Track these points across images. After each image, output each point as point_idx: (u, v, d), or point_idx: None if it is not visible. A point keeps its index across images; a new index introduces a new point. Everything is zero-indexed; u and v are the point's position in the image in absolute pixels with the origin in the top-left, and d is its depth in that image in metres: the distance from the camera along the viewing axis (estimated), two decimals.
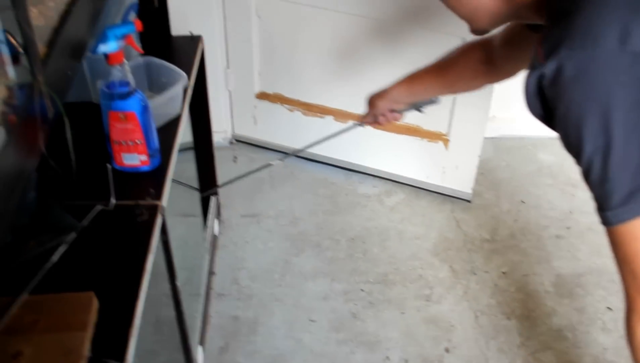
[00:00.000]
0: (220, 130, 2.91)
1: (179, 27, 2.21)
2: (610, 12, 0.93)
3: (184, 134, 1.72)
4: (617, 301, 2.31)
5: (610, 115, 0.95)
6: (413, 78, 1.71)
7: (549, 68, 0.96)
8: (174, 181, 1.51)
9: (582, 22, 0.94)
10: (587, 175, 1.03)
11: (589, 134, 0.97)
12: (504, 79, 1.59)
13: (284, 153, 2.86)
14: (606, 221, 1.04)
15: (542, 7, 1.09)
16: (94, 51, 1.31)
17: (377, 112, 1.81)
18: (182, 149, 1.71)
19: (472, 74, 1.60)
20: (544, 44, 0.97)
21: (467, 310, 2.28)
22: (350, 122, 1.95)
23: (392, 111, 1.81)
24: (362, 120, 1.89)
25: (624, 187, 0.99)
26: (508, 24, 1.37)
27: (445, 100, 2.48)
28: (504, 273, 2.43)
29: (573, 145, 1.02)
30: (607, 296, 2.35)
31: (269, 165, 2.03)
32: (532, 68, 1.00)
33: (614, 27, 0.92)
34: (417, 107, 1.82)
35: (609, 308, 2.30)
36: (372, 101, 1.81)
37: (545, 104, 1.03)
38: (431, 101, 1.80)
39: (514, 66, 1.51)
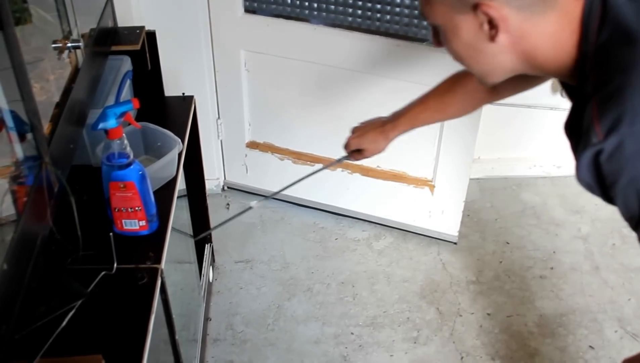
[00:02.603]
0: (213, 178, 3.02)
1: (172, 83, 2.33)
2: None
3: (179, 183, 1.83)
4: (599, 340, 2.43)
5: None
6: (412, 115, 1.79)
7: (609, 144, 0.99)
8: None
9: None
10: None
11: None
12: (503, 99, 1.66)
13: (280, 200, 2.98)
14: None
15: (572, 73, 1.13)
16: (95, 127, 1.43)
17: (373, 154, 1.89)
18: (177, 197, 1.81)
19: (473, 101, 1.70)
20: (601, 121, 1.00)
21: (453, 351, 2.39)
22: (337, 158, 2.01)
23: None
24: (354, 157, 1.94)
25: None
26: None
27: (431, 147, 2.61)
28: (488, 314, 2.54)
29: (633, 212, 1.05)
30: (589, 334, 2.45)
31: (249, 208, 2.11)
32: (587, 143, 1.02)
33: None
34: None
35: (590, 347, 2.41)
36: (369, 144, 1.87)
37: (599, 177, 1.06)
38: None
39: (514, 88, 1.57)
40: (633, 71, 1.00)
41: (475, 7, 1.07)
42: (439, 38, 1.21)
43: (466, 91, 1.65)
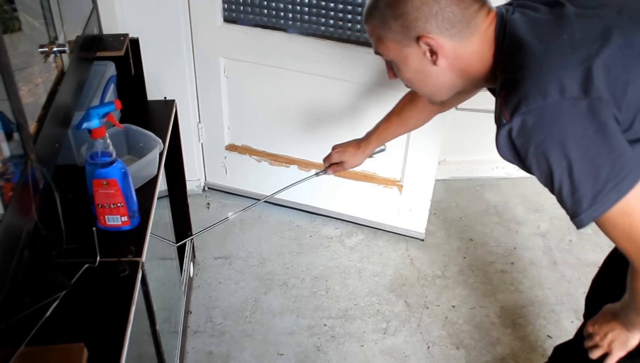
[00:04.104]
0: (194, 179, 3.02)
1: (155, 88, 2.33)
2: (548, 73, 1.18)
3: (160, 183, 1.82)
4: (556, 330, 2.45)
5: (566, 144, 1.17)
6: (380, 132, 2.02)
7: (515, 123, 1.19)
8: (151, 234, 1.62)
9: (531, 86, 1.18)
10: (560, 193, 1.22)
11: (555, 161, 1.19)
12: (448, 110, 1.98)
13: (256, 199, 2.98)
14: (581, 223, 1.22)
15: (491, 78, 1.35)
16: (79, 127, 1.42)
17: (352, 166, 2.10)
18: (159, 198, 1.81)
19: (428, 114, 1.93)
20: (507, 106, 1.20)
21: (420, 341, 2.40)
22: (314, 171, 2.19)
23: None
24: (333, 170, 2.13)
25: (588, 193, 1.18)
26: None
27: (399, 150, 2.63)
28: (453, 306, 2.55)
29: (545, 174, 1.22)
30: (547, 325, 2.48)
31: (226, 219, 2.16)
32: (500, 125, 1.23)
33: (554, 84, 1.16)
34: (371, 155, 2.10)
35: (549, 336, 2.43)
36: (349, 157, 2.08)
37: (515, 151, 1.24)
38: (381, 150, 2.10)
39: (458, 100, 1.83)
40: (524, 68, 1.21)
41: (418, 40, 1.29)
42: (393, 71, 1.44)
43: (419, 106, 1.89)
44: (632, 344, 1.45)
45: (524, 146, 1.21)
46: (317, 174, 2.15)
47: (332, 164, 2.12)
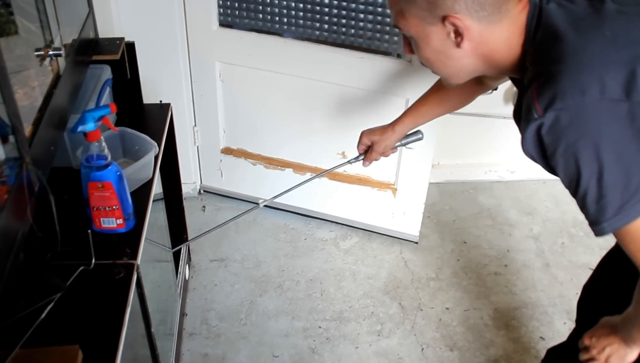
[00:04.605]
0: (190, 182, 3.01)
1: (151, 91, 2.32)
2: (589, 70, 1.11)
3: (156, 185, 1.82)
4: (549, 331, 2.45)
5: (600, 147, 1.10)
6: (415, 111, 1.89)
7: (547, 118, 1.12)
8: (147, 239, 1.61)
9: (569, 81, 1.11)
10: (584, 198, 1.16)
11: (585, 164, 1.12)
12: (488, 90, 1.82)
13: (254, 203, 2.98)
14: (602, 231, 1.16)
15: (518, 67, 1.27)
16: (74, 130, 1.41)
17: (384, 149, 1.95)
18: (154, 200, 1.80)
19: (469, 94, 1.82)
20: (539, 100, 1.13)
21: (414, 343, 2.40)
22: (347, 159, 2.02)
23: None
24: (367, 159, 1.99)
25: (615, 201, 1.12)
26: None
27: (392, 155, 2.62)
28: (447, 308, 2.55)
29: (571, 176, 1.16)
30: (540, 326, 2.48)
31: (257, 206, 2.11)
32: (530, 119, 1.15)
33: (594, 82, 1.09)
34: (406, 144, 1.99)
35: (541, 337, 2.43)
36: (378, 136, 1.93)
37: (541, 148, 1.18)
38: (418, 138, 1.97)
39: (496, 82, 1.73)
40: (561, 61, 1.14)
41: (444, 19, 1.20)
42: (410, 47, 1.33)
43: (464, 85, 1.70)
44: (629, 359, 1.39)
45: (553, 144, 1.15)
46: (349, 161, 2.00)
47: (365, 152, 1.98)
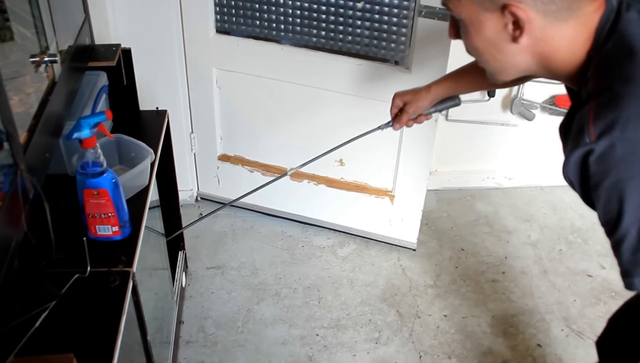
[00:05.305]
0: (187, 189, 3.00)
1: (147, 98, 2.31)
2: None
3: (152, 193, 1.81)
4: (546, 339, 2.44)
5: None
6: (457, 76, 1.74)
7: (600, 146, 0.99)
8: (146, 227, 1.60)
9: (636, 108, 0.98)
10: (619, 244, 1.05)
11: (630, 207, 1.01)
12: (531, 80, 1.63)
13: (252, 210, 2.97)
14: (633, 286, 1.06)
15: (576, 76, 1.13)
16: (70, 137, 1.40)
17: (415, 110, 1.79)
18: (151, 208, 1.79)
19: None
20: (595, 123, 1.00)
21: (412, 350, 2.38)
22: (376, 126, 1.87)
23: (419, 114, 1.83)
24: (398, 122, 1.83)
25: None
26: None
27: (391, 160, 2.62)
28: (445, 315, 2.54)
29: (611, 216, 1.04)
30: (537, 334, 2.47)
31: (285, 174, 2.04)
32: (579, 143, 1.02)
33: None
34: (442, 110, 1.84)
35: (539, 345, 2.42)
36: (411, 97, 1.78)
37: (584, 175, 1.05)
38: (455, 103, 1.82)
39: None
40: (632, 82, 1.00)
41: (504, 8, 1.06)
42: (456, 30, 1.20)
43: None
44: None
45: (600, 175, 1.01)
46: (380, 127, 1.85)
47: (396, 117, 1.83)
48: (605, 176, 1.00)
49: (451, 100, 1.79)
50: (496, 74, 1.21)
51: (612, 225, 1.04)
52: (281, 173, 2.80)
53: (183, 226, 2.51)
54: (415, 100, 1.77)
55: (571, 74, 1.14)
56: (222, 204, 3.02)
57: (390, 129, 1.85)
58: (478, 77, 1.65)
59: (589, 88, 1.07)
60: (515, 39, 1.10)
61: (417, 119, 1.83)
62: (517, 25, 1.07)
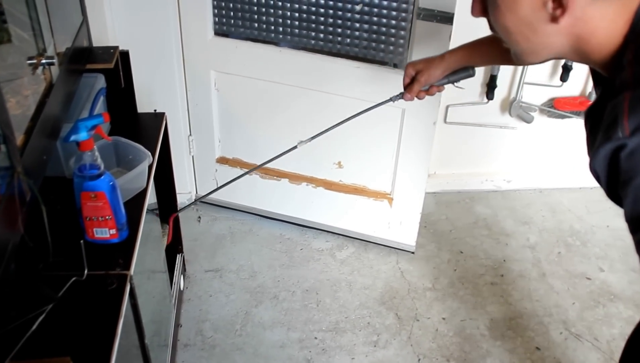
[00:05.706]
0: (185, 191, 2.99)
1: (145, 101, 2.31)
2: None
3: (150, 196, 1.80)
4: (545, 342, 2.43)
5: None
6: (473, 47, 1.65)
7: (633, 142, 0.92)
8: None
9: None
10: None
11: None
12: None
13: (250, 213, 2.96)
14: None
15: (610, 62, 1.05)
16: (67, 139, 1.40)
17: (427, 79, 1.72)
18: (149, 210, 1.79)
19: None
20: (630, 116, 0.93)
21: (411, 353, 2.38)
22: (388, 97, 1.81)
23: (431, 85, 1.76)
24: (410, 92, 1.75)
25: None
26: None
27: (389, 163, 2.61)
28: (443, 318, 2.53)
29: (638, 217, 0.98)
30: (536, 337, 2.46)
31: (295, 148, 2.04)
32: (610, 136, 0.95)
33: None
34: (454, 81, 1.76)
35: (537, 348, 2.42)
36: (423, 66, 1.71)
37: (614, 171, 0.98)
38: (468, 75, 1.73)
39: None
40: None
41: None
42: (483, 7, 1.10)
43: None
44: None
45: (631, 172, 0.95)
46: (391, 99, 1.80)
47: (408, 86, 1.75)
48: (636, 174, 0.94)
49: (464, 71, 1.72)
50: (524, 55, 1.12)
51: (636, 223, 0.98)
52: (280, 175, 2.82)
53: (181, 228, 2.51)
54: (428, 68, 1.70)
55: (605, 59, 1.05)
56: (220, 206, 3.03)
57: (401, 101, 1.79)
58: (495, 49, 1.57)
59: (624, 76, 0.99)
60: (555, 19, 1.01)
61: (429, 90, 1.76)
62: (560, 4, 0.98)
